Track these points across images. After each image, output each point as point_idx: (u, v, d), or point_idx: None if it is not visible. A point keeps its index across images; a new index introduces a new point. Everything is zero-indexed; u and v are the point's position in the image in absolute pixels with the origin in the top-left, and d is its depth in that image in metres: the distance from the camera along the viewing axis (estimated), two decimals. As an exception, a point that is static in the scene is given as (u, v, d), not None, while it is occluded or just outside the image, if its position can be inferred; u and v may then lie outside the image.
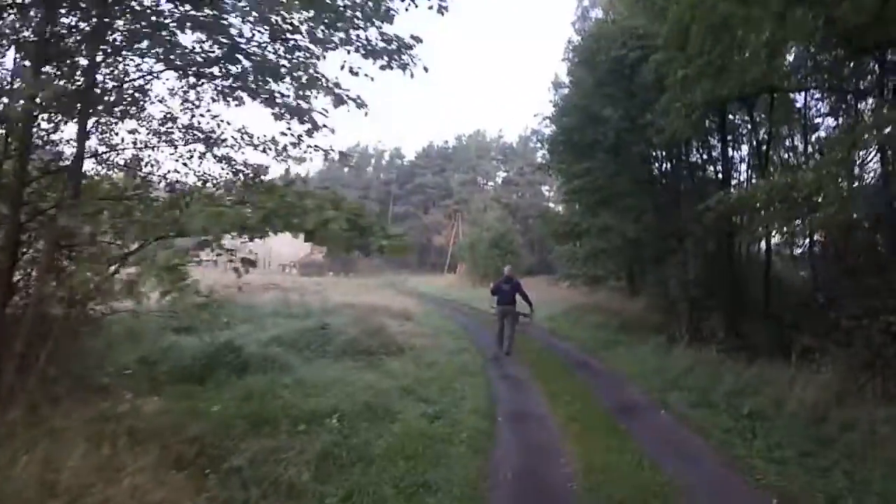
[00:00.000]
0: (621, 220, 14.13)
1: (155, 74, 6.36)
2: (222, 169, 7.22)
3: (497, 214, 39.83)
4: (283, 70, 5.99)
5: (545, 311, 19.90)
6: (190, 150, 7.15)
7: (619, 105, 13.90)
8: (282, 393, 6.85)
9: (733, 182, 14.03)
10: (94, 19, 5.47)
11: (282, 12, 5.60)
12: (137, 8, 5.58)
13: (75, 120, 5.82)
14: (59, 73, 5.79)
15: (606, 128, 13.83)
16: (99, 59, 5.81)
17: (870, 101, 11.48)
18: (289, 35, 5.87)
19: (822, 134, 13.29)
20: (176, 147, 7.11)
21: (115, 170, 7.25)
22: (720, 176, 14.34)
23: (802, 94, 13.15)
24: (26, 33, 5.66)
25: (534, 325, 14.19)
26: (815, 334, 9.99)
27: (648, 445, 6.37)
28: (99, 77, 6.04)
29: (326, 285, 32.20)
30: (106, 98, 6.24)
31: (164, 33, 5.62)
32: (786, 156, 14.67)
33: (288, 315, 14.64)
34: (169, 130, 7.02)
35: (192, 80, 6.52)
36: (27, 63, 5.55)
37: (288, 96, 6.20)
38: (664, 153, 15.25)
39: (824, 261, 12.55)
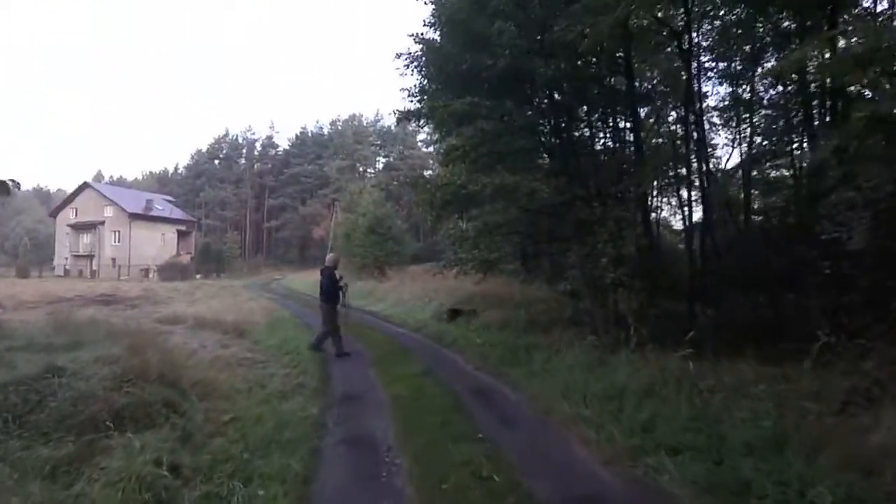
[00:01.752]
0: (526, 179, 10.13)
1: None
2: None
3: (373, 198, 35.19)
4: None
5: (429, 307, 15.91)
6: None
7: (513, 21, 9.95)
8: None
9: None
10: None
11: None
12: None
13: None
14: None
15: (497, 48, 9.82)
16: None
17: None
18: None
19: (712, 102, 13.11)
20: None
21: None
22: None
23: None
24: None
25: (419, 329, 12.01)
26: (835, 321, 6.49)
27: None
28: None
29: (181, 291, 27.99)
30: None
31: None
32: (673, 127, 13.94)
33: (42, 347, 9.61)
34: None
35: None
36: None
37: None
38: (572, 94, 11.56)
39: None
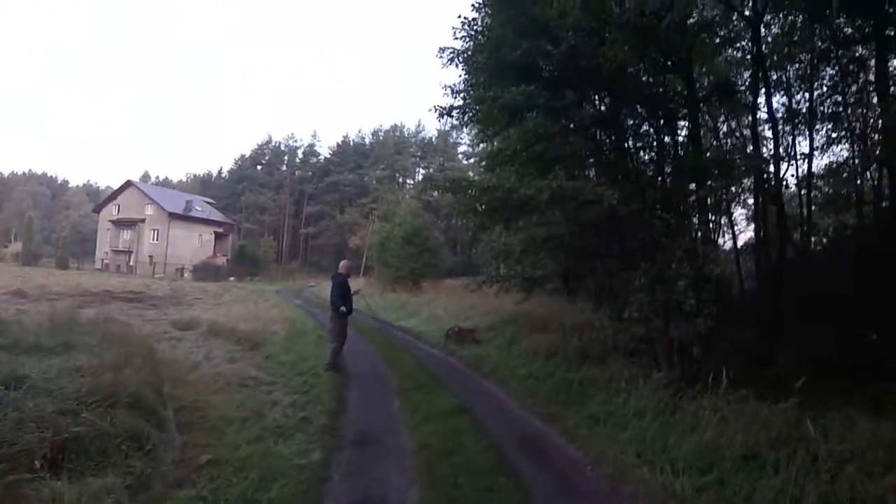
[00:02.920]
0: (588, 184, 8.62)
1: None
2: None
3: (411, 207, 33.76)
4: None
5: (466, 327, 14.39)
6: None
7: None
8: None
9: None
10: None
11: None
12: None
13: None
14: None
15: (558, 31, 8.43)
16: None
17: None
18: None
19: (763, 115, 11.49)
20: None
21: None
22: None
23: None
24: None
25: (454, 352, 11.56)
26: None
27: None
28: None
29: (210, 293, 27.60)
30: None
31: None
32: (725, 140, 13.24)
33: (26, 348, 8.42)
34: None
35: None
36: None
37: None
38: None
39: None
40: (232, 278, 49.24)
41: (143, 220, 55.85)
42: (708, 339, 8.01)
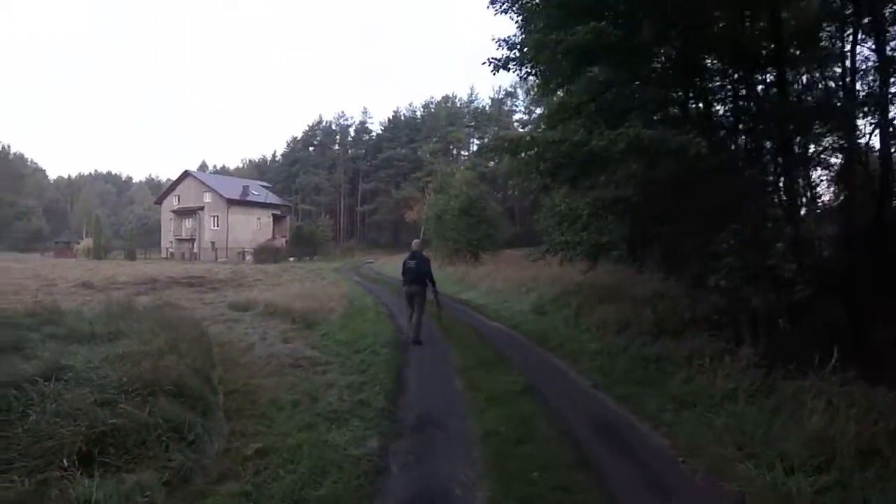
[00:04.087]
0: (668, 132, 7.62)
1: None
2: None
3: (466, 178, 32.76)
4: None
5: (528, 298, 13.70)
6: None
7: None
8: None
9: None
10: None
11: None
12: None
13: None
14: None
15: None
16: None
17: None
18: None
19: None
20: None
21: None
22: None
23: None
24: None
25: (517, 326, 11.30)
26: None
27: None
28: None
29: (269, 274, 28.04)
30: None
31: None
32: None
33: (80, 336, 8.22)
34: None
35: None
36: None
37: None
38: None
39: None
40: (291, 259, 50.04)
41: (202, 208, 57.01)
42: (799, 311, 7.12)
